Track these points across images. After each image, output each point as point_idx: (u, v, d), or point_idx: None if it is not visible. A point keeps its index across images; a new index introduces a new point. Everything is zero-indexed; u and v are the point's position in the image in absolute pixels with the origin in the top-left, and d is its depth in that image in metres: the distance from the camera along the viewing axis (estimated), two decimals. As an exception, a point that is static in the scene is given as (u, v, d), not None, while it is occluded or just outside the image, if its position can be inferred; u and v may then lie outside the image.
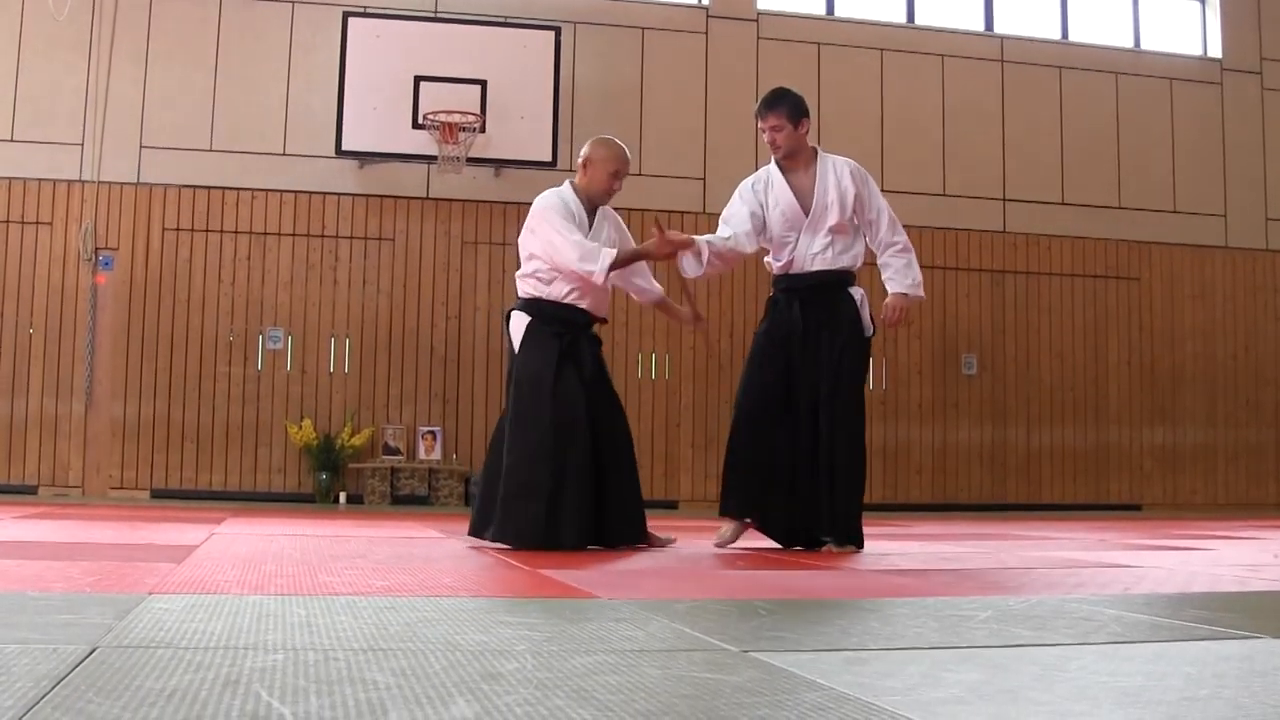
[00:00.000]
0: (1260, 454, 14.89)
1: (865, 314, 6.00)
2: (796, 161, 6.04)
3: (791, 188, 5.98)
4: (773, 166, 6.09)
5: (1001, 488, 14.13)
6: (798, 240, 5.92)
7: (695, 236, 5.96)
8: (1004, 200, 14.35)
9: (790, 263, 5.96)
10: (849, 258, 6.00)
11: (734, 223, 6.01)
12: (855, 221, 6.01)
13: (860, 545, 5.89)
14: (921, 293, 6.05)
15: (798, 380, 5.85)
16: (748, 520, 6.05)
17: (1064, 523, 10.39)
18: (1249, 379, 14.96)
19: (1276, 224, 15.13)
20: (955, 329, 14.10)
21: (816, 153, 6.10)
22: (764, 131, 6.02)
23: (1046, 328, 14.47)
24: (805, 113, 6.02)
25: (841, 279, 5.99)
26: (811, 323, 5.88)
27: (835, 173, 5.97)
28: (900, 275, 5.98)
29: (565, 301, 5.93)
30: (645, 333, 12.98)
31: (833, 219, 5.89)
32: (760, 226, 5.99)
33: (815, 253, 5.91)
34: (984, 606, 3.45)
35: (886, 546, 6.44)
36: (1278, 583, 4.49)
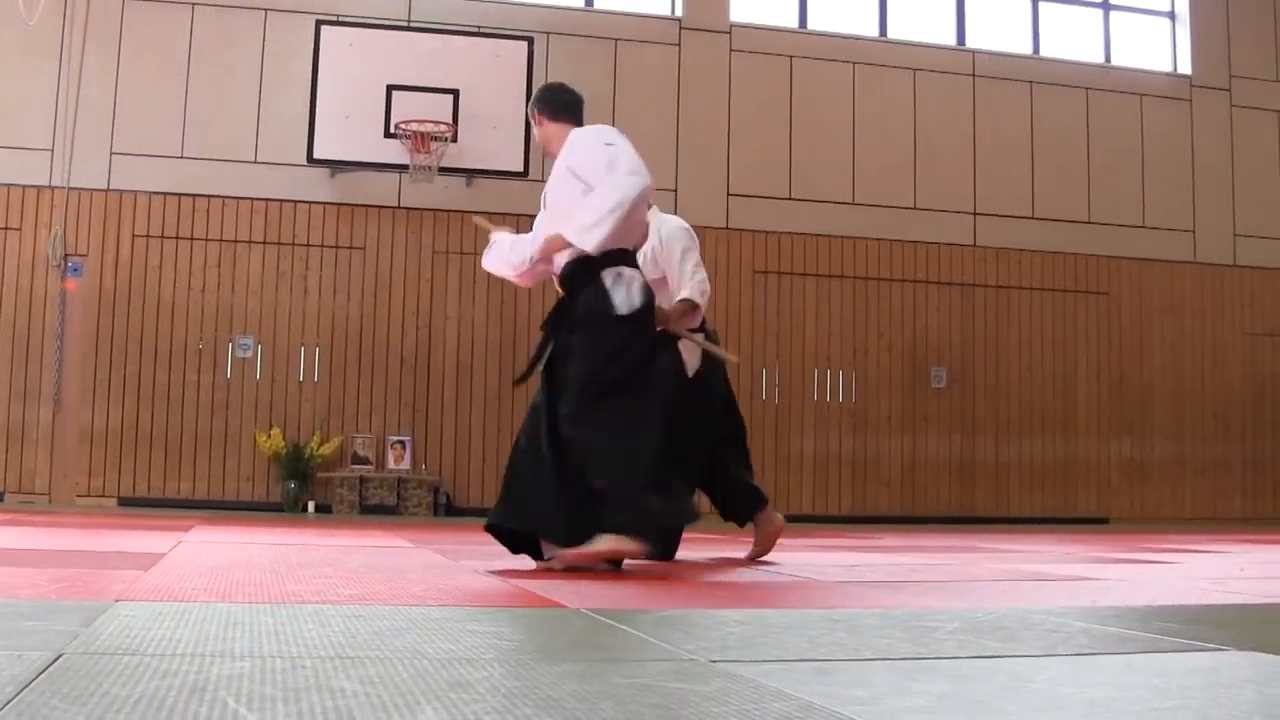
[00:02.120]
0: (1227, 468, 14.98)
1: None
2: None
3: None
4: None
5: (970, 500, 14.17)
6: None
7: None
8: (974, 214, 14.40)
9: None
10: None
11: None
12: None
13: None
14: None
15: None
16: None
17: (1031, 535, 10.43)
18: (1216, 393, 15.05)
19: (1244, 240, 15.24)
20: (925, 342, 14.11)
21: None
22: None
23: (1016, 341, 14.52)
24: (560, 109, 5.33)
25: None
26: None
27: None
28: None
29: None
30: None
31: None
32: None
33: None
34: (952, 618, 3.46)
35: (854, 558, 6.45)
36: (1244, 596, 4.52)
